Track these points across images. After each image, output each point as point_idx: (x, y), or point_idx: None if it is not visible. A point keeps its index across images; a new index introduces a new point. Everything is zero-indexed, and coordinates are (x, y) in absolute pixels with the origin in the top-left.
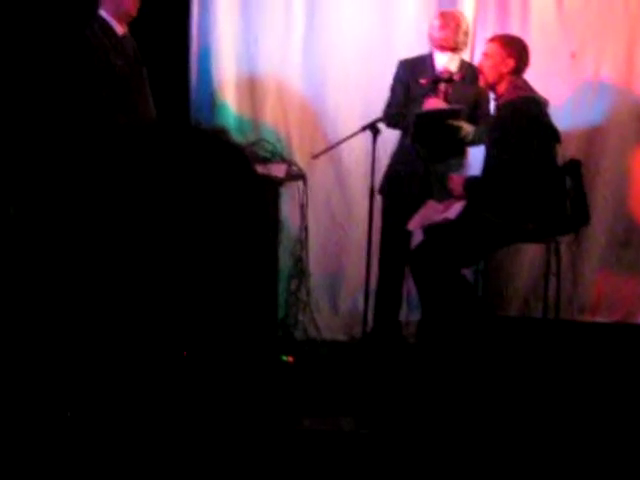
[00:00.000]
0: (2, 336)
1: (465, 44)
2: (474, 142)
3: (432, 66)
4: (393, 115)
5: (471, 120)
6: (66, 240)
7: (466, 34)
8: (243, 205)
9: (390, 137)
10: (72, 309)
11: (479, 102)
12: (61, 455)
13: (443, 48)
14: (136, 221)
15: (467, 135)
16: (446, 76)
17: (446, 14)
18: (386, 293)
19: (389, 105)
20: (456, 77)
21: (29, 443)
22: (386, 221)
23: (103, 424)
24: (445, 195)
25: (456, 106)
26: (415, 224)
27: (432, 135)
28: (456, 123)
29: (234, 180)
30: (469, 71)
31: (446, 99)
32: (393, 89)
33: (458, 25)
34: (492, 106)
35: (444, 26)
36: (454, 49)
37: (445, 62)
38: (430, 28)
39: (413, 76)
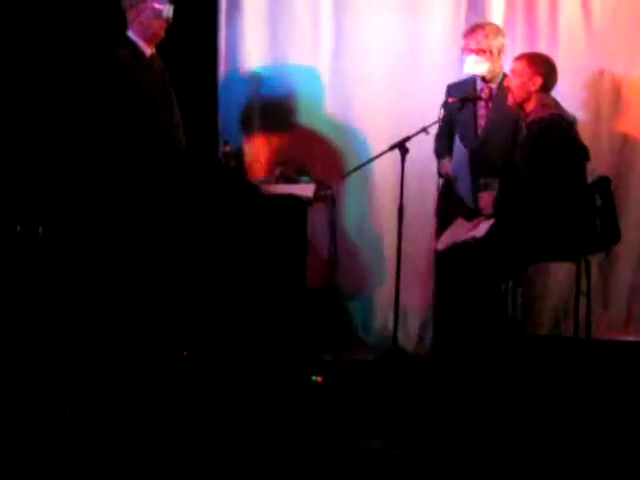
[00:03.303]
0: (10, 339)
1: (490, 50)
2: None
3: (473, 83)
4: (436, 148)
5: (511, 144)
6: (91, 260)
7: (491, 39)
8: (256, 237)
9: (419, 156)
10: (101, 322)
11: (520, 125)
12: (61, 455)
13: (468, 52)
14: (160, 244)
15: None
16: (477, 95)
17: (474, 23)
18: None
19: (436, 136)
20: (484, 95)
21: (29, 443)
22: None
23: (103, 424)
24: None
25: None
26: (444, 243)
27: None
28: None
29: (246, 214)
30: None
31: (476, 119)
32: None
33: (485, 33)
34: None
35: (469, 32)
36: (477, 51)
37: (471, 66)
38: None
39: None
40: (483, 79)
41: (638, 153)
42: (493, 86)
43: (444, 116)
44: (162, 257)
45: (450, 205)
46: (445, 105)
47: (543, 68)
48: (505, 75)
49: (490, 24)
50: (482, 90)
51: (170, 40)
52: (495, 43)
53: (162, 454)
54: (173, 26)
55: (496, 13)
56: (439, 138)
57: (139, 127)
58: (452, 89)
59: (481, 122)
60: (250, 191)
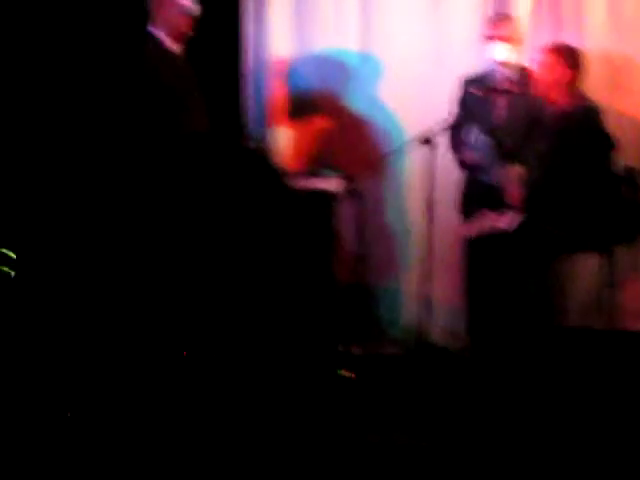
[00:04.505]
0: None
1: (519, 40)
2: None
3: (493, 75)
4: (454, 140)
5: (529, 137)
6: (106, 252)
7: (518, 30)
8: (281, 222)
9: (446, 149)
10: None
11: (539, 117)
12: (61, 455)
13: (498, 39)
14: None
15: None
16: (501, 86)
17: (501, 13)
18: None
19: (452, 129)
20: (512, 87)
21: (29, 443)
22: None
23: (104, 424)
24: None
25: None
26: (470, 232)
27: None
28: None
29: (270, 198)
30: (525, 80)
31: (500, 114)
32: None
33: (514, 23)
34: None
35: (499, 20)
36: (509, 39)
37: (502, 52)
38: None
39: (469, 90)
40: (506, 67)
41: None
42: (513, 77)
43: (464, 108)
44: (191, 250)
45: (475, 194)
46: (469, 96)
47: (571, 59)
48: (524, 67)
49: (512, 16)
50: (503, 81)
51: (193, 34)
52: (520, 35)
53: (172, 454)
54: (198, 22)
55: (522, 4)
56: (456, 130)
57: (164, 125)
58: (471, 82)
59: (501, 113)
60: (278, 181)
